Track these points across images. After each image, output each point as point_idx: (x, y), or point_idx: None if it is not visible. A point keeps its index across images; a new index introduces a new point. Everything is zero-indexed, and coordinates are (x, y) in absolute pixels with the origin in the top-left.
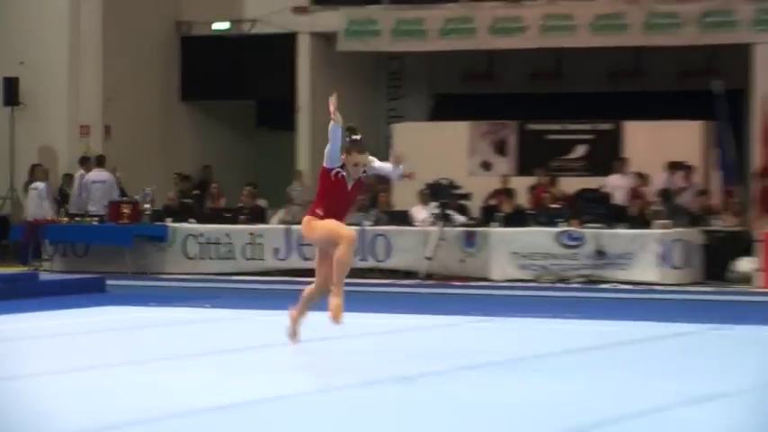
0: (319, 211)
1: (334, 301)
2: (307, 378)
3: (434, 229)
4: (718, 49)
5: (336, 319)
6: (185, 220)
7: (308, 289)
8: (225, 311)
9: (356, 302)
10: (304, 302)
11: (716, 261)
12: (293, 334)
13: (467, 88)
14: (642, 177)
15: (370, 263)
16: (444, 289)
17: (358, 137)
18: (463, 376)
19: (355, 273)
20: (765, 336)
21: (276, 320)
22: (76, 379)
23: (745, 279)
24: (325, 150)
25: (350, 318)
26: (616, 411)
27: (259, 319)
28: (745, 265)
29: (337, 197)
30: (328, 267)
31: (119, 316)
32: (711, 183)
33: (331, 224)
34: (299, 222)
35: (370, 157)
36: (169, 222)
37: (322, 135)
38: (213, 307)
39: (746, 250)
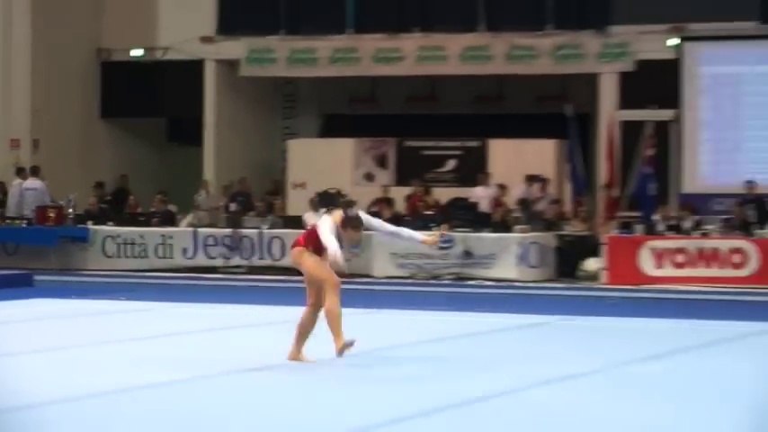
0: (310, 248)
1: (337, 344)
2: (197, 365)
3: None
4: (570, 78)
5: (340, 353)
6: (104, 223)
7: (299, 322)
8: (139, 303)
9: (254, 296)
10: (298, 340)
11: (567, 261)
12: (304, 359)
13: (352, 109)
14: (503, 188)
15: (268, 261)
16: None
17: (355, 213)
18: (335, 362)
19: (255, 270)
20: (609, 325)
21: (182, 312)
22: (4, 362)
23: (592, 277)
24: (325, 234)
25: (247, 310)
26: (471, 392)
27: (168, 311)
28: (592, 264)
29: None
30: (316, 293)
31: (45, 307)
32: (564, 193)
33: (320, 269)
34: (204, 225)
35: (366, 217)
36: (90, 225)
37: (225, 149)
38: (128, 299)
39: (593, 252)
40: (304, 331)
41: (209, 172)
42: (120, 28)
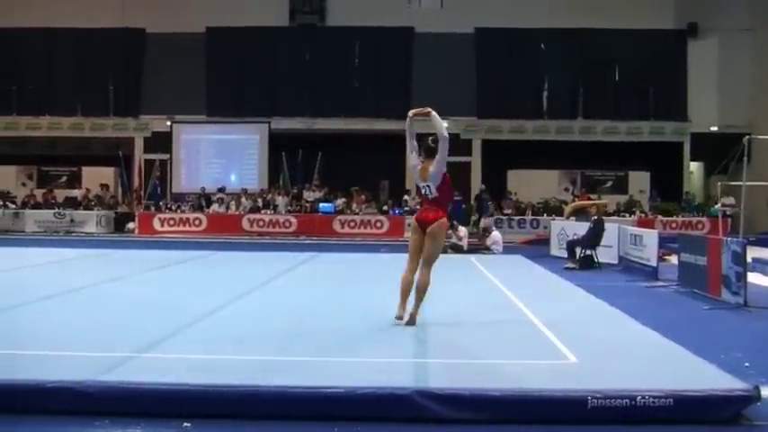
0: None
1: (413, 312)
2: None
3: None
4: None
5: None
6: None
7: (402, 279)
8: None
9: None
10: (402, 297)
11: (122, 225)
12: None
13: None
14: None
15: None
16: None
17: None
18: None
19: None
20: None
21: None
22: None
23: (133, 230)
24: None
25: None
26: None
27: None
28: (131, 225)
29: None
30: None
31: None
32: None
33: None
34: None
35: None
36: None
37: None
38: None
39: (132, 219)
40: (404, 289)
41: None
42: None
